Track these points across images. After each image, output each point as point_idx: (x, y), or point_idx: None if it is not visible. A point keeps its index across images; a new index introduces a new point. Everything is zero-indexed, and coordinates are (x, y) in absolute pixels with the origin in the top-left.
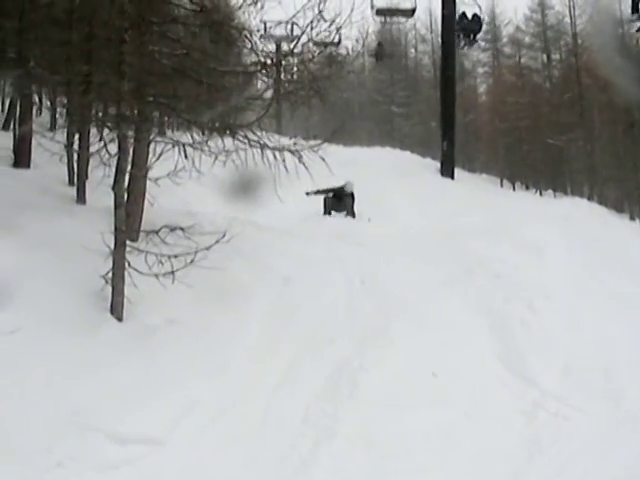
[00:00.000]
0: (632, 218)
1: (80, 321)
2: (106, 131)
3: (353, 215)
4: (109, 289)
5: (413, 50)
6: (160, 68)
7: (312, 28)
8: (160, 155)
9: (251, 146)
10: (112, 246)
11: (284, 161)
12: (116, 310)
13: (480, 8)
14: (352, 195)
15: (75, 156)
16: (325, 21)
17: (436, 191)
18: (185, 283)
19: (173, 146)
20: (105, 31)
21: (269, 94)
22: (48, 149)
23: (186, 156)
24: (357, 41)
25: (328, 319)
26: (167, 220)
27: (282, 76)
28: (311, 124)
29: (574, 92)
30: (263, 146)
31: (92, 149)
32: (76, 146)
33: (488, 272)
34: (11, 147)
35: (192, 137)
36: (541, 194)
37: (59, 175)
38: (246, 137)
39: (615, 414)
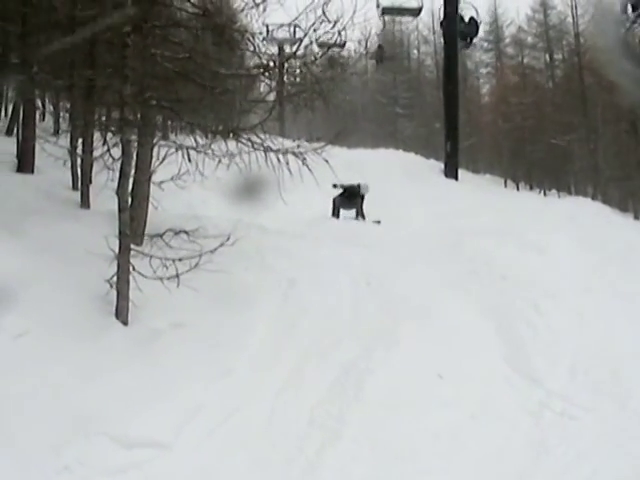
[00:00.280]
0: (636, 217)
1: (85, 325)
2: (109, 135)
3: (363, 217)
4: (114, 293)
5: (416, 51)
6: (163, 72)
7: (315, 30)
8: (164, 159)
9: (254, 149)
10: (116, 250)
11: (288, 164)
12: (121, 314)
13: (477, 11)
14: (362, 197)
15: (79, 160)
16: (329, 22)
17: (440, 192)
18: (190, 286)
19: (176, 150)
20: (108, 35)
21: (272, 97)
22: (52, 154)
23: (189, 160)
24: (360, 43)
25: (334, 321)
26: (171, 224)
27: (285, 79)
28: (314, 126)
29: (577, 92)
30: (266, 149)
31: (96, 153)
32: (79, 150)
33: (494, 273)
34: (15, 152)
35: (195, 140)
36: (545, 194)
37: (63, 180)
38: (249, 140)
39: (622, 414)
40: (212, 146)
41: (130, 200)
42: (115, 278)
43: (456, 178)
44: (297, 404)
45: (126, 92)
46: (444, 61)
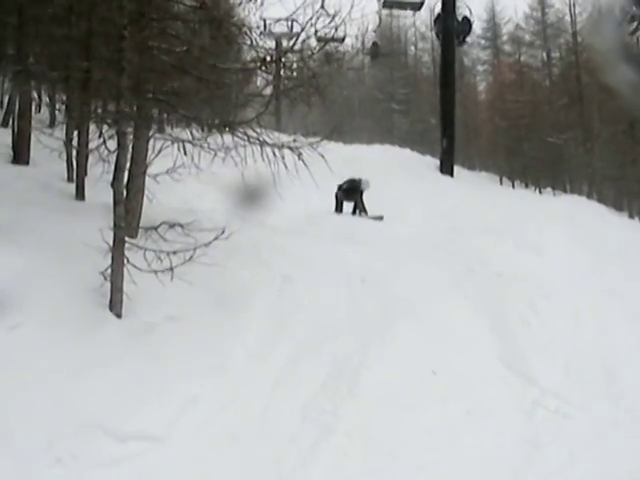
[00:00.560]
0: (631, 216)
1: (79, 318)
2: (105, 127)
3: (365, 211)
4: (108, 286)
5: (413, 48)
6: (159, 65)
7: (312, 25)
8: (159, 152)
9: (250, 143)
10: (111, 242)
11: (283, 158)
12: (115, 307)
13: (470, 11)
14: (361, 192)
15: (74, 152)
16: (329, 15)
17: (436, 189)
18: (184, 280)
19: (172, 143)
20: (104, 27)
21: (269, 91)
22: (47, 145)
23: (185, 153)
24: (357, 38)
25: (329, 317)
26: (166, 217)
27: (282, 73)
28: (310, 121)
29: (574, 90)
30: (262, 143)
31: (91, 145)
32: (75, 142)
33: (489, 271)
34: (10, 144)
35: (191, 134)
36: (540, 192)
37: (58, 171)
38: (245, 134)
39: (615, 413)
40: (208, 139)
41: (125, 193)
42: (109, 270)
43: (452, 175)
44: (291, 399)
45: (122, 84)
46: (441, 58)
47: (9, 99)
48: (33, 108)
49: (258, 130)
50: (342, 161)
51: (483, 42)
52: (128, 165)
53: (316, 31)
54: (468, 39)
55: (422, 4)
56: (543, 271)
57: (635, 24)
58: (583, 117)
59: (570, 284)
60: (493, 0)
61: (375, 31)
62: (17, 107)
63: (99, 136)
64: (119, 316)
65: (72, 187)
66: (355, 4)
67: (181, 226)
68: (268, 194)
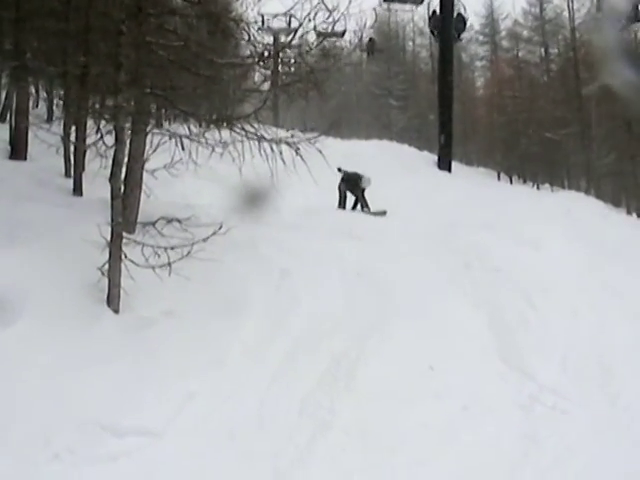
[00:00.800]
0: (629, 212)
1: (77, 313)
2: (103, 123)
3: (368, 207)
4: (105, 281)
5: (411, 43)
6: (157, 60)
7: (310, 20)
8: (157, 147)
9: (248, 138)
10: (108, 238)
11: (281, 153)
12: (112, 302)
13: (465, 8)
14: (363, 190)
15: (72, 148)
16: (328, 10)
17: (433, 184)
18: (182, 275)
19: (170, 138)
20: (102, 22)
21: (266, 86)
22: (45, 141)
23: (183, 148)
24: (355, 34)
25: (326, 312)
26: (164, 212)
27: (279, 68)
28: (308, 117)
29: (572, 86)
30: (260, 138)
31: (89, 141)
32: (73, 138)
33: (487, 266)
34: (8, 139)
35: (189, 129)
36: (538, 188)
37: (56, 167)
38: (243, 129)
39: (612, 408)
40: (206, 135)
41: (123, 188)
42: (107, 266)
43: (449, 170)
44: (288, 394)
45: (120, 80)
46: (439, 53)
47: (6, 94)
48: (31, 103)
49: (256, 125)
50: (340, 157)
51: (481, 38)
52: (126, 160)
53: (315, 26)
54: (462, 36)
55: None
56: (541, 267)
57: (623, 22)
58: (581, 112)
59: (568, 280)
60: None
61: (372, 27)
62: (14, 102)
63: (97, 131)
64: (116, 311)
65: (70, 182)
66: None
67: (179, 221)
68: (267, 191)
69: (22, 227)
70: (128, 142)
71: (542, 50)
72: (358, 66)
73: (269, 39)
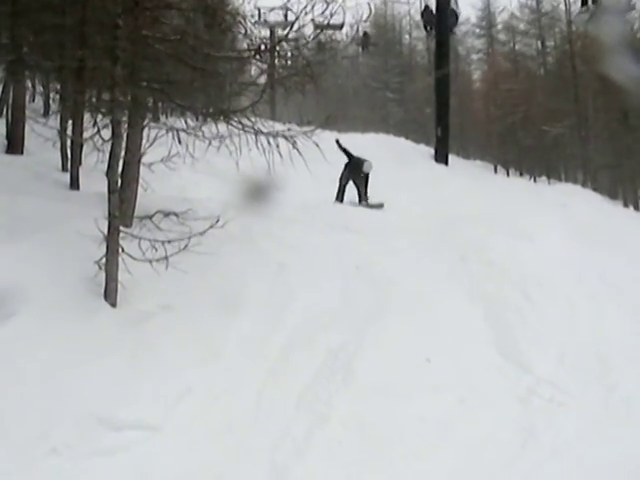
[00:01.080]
0: (626, 205)
1: (74, 307)
2: (100, 117)
3: (366, 199)
4: (103, 275)
5: (407, 36)
6: (154, 53)
7: (306, 13)
8: (154, 141)
9: (245, 132)
10: (106, 232)
11: (278, 147)
12: (110, 296)
13: (457, 3)
14: (367, 176)
15: (68, 142)
16: (326, 1)
17: (430, 177)
18: (179, 269)
19: (167, 132)
20: (98, 16)
21: (263, 80)
22: (41, 135)
23: (180, 142)
24: (351, 27)
25: (323, 305)
26: (161, 206)
27: (276, 62)
28: (305, 110)
29: (568, 79)
30: (257, 132)
31: (86, 135)
32: (69, 132)
33: (484, 259)
34: (4, 133)
35: (186, 122)
36: (535, 180)
37: (52, 161)
38: (240, 122)
39: (609, 401)
40: (202, 128)
41: (120, 182)
42: (104, 260)
43: (446, 163)
44: (285, 387)
45: (117, 73)
46: (435, 46)
47: (3, 88)
48: (27, 97)
49: (253, 119)
50: (336, 149)
51: (478, 31)
52: (123, 154)
53: (313, 18)
54: (455, 30)
55: None
56: (538, 260)
57: (589, 14)
58: (578, 105)
59: (565, 273)
60: None
61: (365, 21)
62: (11, 97)
63: (93, 125)
64: (114, 305)
65: (66, 176)
66: None
67: (176, 215)
68: (264, 184)
69: (19, 221)
70: (125, 136)
71: (539, 43)
72: (355, 59)
73: (266, 32)
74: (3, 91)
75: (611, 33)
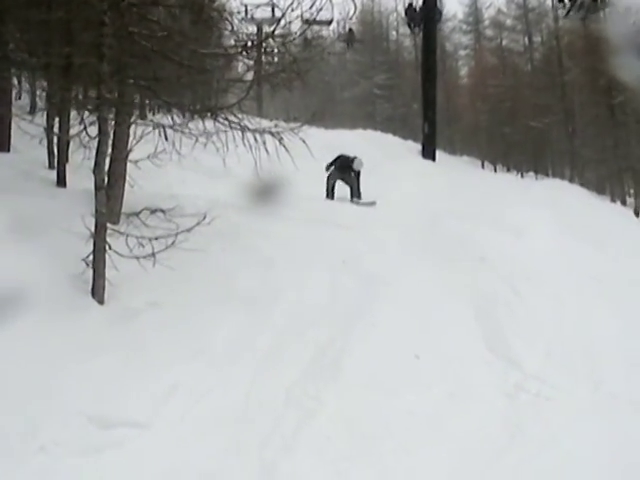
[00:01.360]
0: (613, 200)
1: (62, 304)
2: (86, 114)
3: (359, 196)
4: (90, 272)
5: (394, 32)
6: (140, 50)
7: (292, 10)
8: (141, 138)
9: (232, 128)
10: (93, 229)
11: (265, 143)
12: (97, 293)
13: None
14: (358, 173)
15: (55, 139)
16: None
17: (418, 173)
18: (166, 265)
19: (154, 128)
20: (84, 13)
21: (250, 76)
22: (28, 132)
23: (166, 138)
24: (338, 23)
25: (311, 301)
26: (148, 202)
27: (263, 58)
28: (292, 107)
29: (555, 74)
30: (244, 128)
31: (72, 132)
32: (56, 129)
33: (472, 255)
34: None
35: (173, 119)
36: (522, 176)
37: (39, 158)
38: (227, 119)
39: (596, 395)
40: (189, 125)
41: (107, 179)
42: (91, 257)
43: (433, 159)
44: (274, 383)
45: (103, 70)
46: (422, 42)
47: None
48: (13, 95)
49: (239, 115)
50: (324, 146)
51: (465, 27)
52: (109, 151)
53: (302, 13)
54: (439, 27)
55: None
56: (526, 255)
57: (584, 10)
58: (564, 101)
59: (553, 268)
60: None
61: (350, 18)
62: None
63: (80, 122)
64: (101, 302)
65: (53, 174)
66: None
67: (163, 212)
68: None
69: (5, 218)
70: (112, 133)
71: (526, 39)
72: (342, 56)
73: (252, 29)
74: None
75: (619, 32)
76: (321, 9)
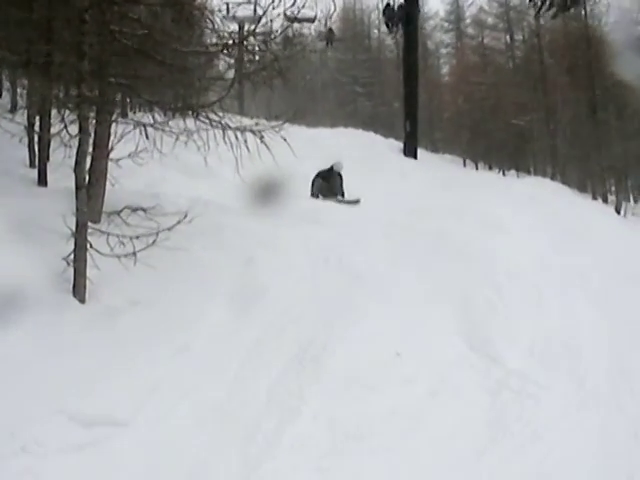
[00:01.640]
0: (594, 197)
1: (42, 303)
2: (67, 112)
3: (342, 195)
4: (71, 271)
5: (376, 31)
6: (121, 48)
7: (274, 8)
8: (122, 136)
9: (213, 127)
10: (74, 228)
11: (246, 142)
12: (78, 292)
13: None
14: (340, 175)
15: (36, 138)
16: None
17: (399, 171)
18: (147, 264)
19: (134, 127)
20: (65, 11)
21: (231, 74)
22: (8, 131)
23: (147, 137)
24: (320, 21)
25: (292, 299)
26: (129, 201)
27: (244, 56)
28: (273, 105)
29: (536, 72)
30: (225, 126)
31: (53, 130)
32: (37, 127)
33: (453, 252)
34: None
35: (154, 118)
36: (504, 174)
37: (20, 157)
38: (208, 117)
39: (578, 393)
40: (170, 123)
41: (88, 177)
42: (72, 256)
43: (415, 157)
44: (255, 382)
45: (84, 69)
46: (404, 40)
47: None
48: None
49: (220, 114)
50: (305, 144)
51: (446, 25)
52: (90, 150)
53: (285, 11)
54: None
55: None
56: (507, 252)
57: (554, 9)
58: (546, 99)
59: (534, 265)
60: None
61: (331, 17)
62: None
63: (61, 121)
64: (82, 301)
65: (34, 173)
66: None
67: (144, 210)
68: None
69: None
70: (93, 131)
71: (507, 37)
72: (323, 54)
73: (234, 27)
74: None
75: (620, 34)
76: (303, 6)
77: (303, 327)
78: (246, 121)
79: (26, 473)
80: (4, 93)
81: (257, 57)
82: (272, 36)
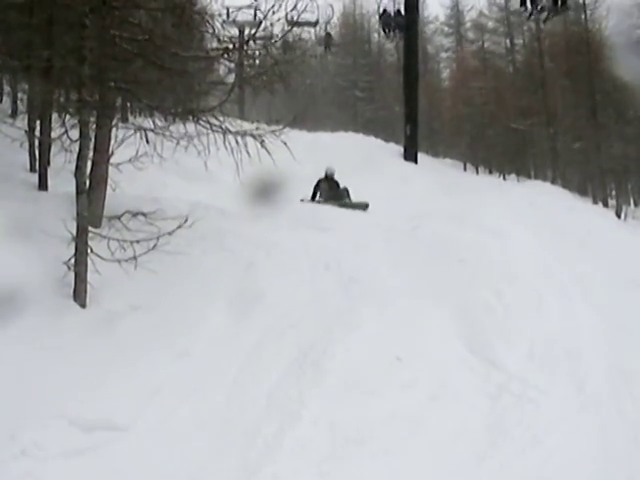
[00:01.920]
0: (595, 201)
1: (43, 308)
2: (68, 117)
3: (349, 198)
4: (72, 276)
5: (376, 35)
6: (122, 53)
7: (274, 12)
8: (122, 141)
9: (213, 131)
10: (74, 232)
11: (246, 146)
12: (79, 297)
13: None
14: (336, 182)
15: (36, 142)
16: None
17: (400, 176)
18: (148, 269)
19: (135, 131)
20: (65, 15)
21: (231, 79)
22: (9, 135)
23: (148, 141)
24: (320, 27)
25: (292, 304)
26: (129, 206)
27: (244, 61)
28: (274, 109)
29: (537, 76)
30: (225, 131)
31: (54, 135)
32: (37, 132)
33: (453, 256)
34: None
35: (154, 122)
36: (505, 178)
37: (20, 162)
38: (208, 122)
39: (578, 397)
40: (171, 128)
41: (88, 182)
42: (73, 260)
43: (416, 162)
44: (255, 386)
45: (84, 73)
46: (404, 45)
47: None
48: None
49: (221, 118)
50: (305, 149)
51: (446, 29)
52: (91, 154)
53: (286, 14)
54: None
55: None
56: (507, 256)
57: (545, 14)
58: (546, 103)
59: (534, 269)
60: None
61: (328, 22)
62: None
63: (61, 125)
64: (83, 306)
65: (35, 177)
66: None
67: (144, 215)
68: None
69: None
70: (93, 136)
71: (507, 41)
72: (323, 58)
73: (234, 32)
74: None
75: (620, 37)
76: (304, 10)
77: (303, 331)
78: (246, 125)
79: (26, 477)
80: (5, 98)
81: (257, 61)
82: (272, 40)
